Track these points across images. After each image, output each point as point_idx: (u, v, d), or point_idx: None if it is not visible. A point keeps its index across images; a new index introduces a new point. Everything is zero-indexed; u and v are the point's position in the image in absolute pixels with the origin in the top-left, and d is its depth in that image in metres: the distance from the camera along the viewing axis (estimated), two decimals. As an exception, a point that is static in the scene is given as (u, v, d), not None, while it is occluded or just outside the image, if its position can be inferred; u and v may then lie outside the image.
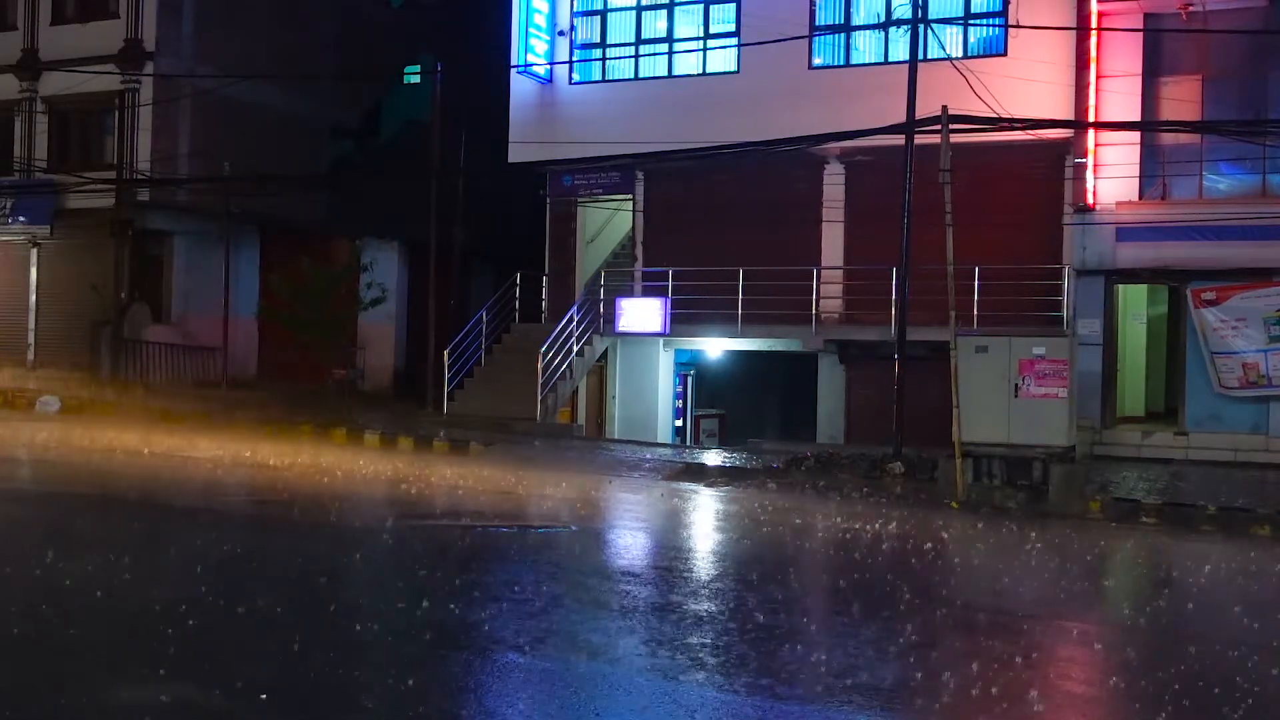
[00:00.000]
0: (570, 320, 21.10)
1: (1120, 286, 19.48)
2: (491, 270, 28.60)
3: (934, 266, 16.58)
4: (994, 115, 16.84)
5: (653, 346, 22.59)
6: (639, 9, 22.68)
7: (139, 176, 25.19)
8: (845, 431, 20.87)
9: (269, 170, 25.54)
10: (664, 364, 22.97)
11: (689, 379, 24.25)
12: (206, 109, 25.84)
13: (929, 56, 18.59)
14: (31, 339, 27.11)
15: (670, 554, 10.68)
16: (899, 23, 20.02)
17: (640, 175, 22.54)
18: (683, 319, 21.18)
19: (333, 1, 29.22)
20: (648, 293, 22.02)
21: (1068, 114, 18.55)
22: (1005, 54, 19.34)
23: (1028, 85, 18.60)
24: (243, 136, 25.95)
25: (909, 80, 16.77)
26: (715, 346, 23.33)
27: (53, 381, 24.25)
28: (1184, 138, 18.49)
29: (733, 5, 21.71)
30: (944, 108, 15.77)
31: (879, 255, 19.19)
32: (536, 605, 8.10)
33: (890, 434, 16.85)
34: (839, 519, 12.63)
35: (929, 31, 18.92)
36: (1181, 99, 18.43)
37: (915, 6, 17.58)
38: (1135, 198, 18.66)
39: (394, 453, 17.34)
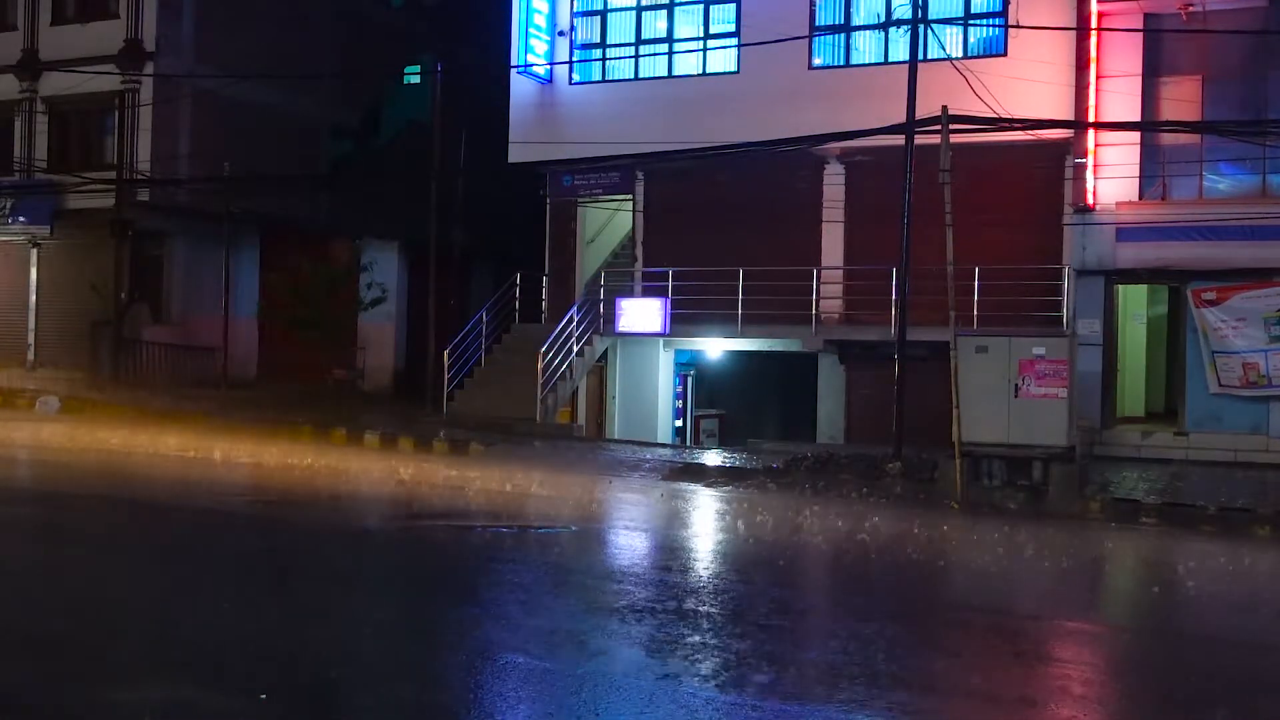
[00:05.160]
0: (570, 320, 21.10)
1: (1120, 286, 19.47)
2: (491, 270, 28.59)
3: (934, 266, 16.57)
4: (994, 115, 16.83)
5: (653, 346, 22.58)
6: (639, 9, 22.67)
7: (139, 177, 25.17)
8: (845, 431, 20.86)
9: (269, 170, 25.53)
10: (664, 364, 22.96)
11: (689, 379, 24.25)
12: (206, 109, 25.83)
13: (929, 57, 18.57)
14: (31, 339, 27.10)
15: (670, 554, 10.68)
16: (899, 23, 20.02)
17: (640, 175, 22.54)
18: (683, 319, 21.18)
19: (333, 2, 29.21)
20: (648, 293, 22.01)
21: (1068, 114, 18.54)
22: (1005, 54, 19.33)
23: (1028, 85, 18.59)
24: (243, 137, 25.93)
25: (909, 80, 16.75)
26: (715, 346, 23.32)
27: (53, 381, 24.24)
28: (1184, 138, 18.47)
29: (733, 5, 21.70)
30: (944, 108, 15.75)
31: (879, 255, 19.19)
32: (536, 605, 8.09)
33: (890, 434, 16.83)
34: (838, 519, 12.62)
35: (929, 32, 18.91)
36: (1181, 99, 18.42)
37: (915, 6, 17.56)
38: (1135, 198, 18.65)
39: (394, 453, 17.33)
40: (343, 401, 21.62)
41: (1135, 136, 18.46)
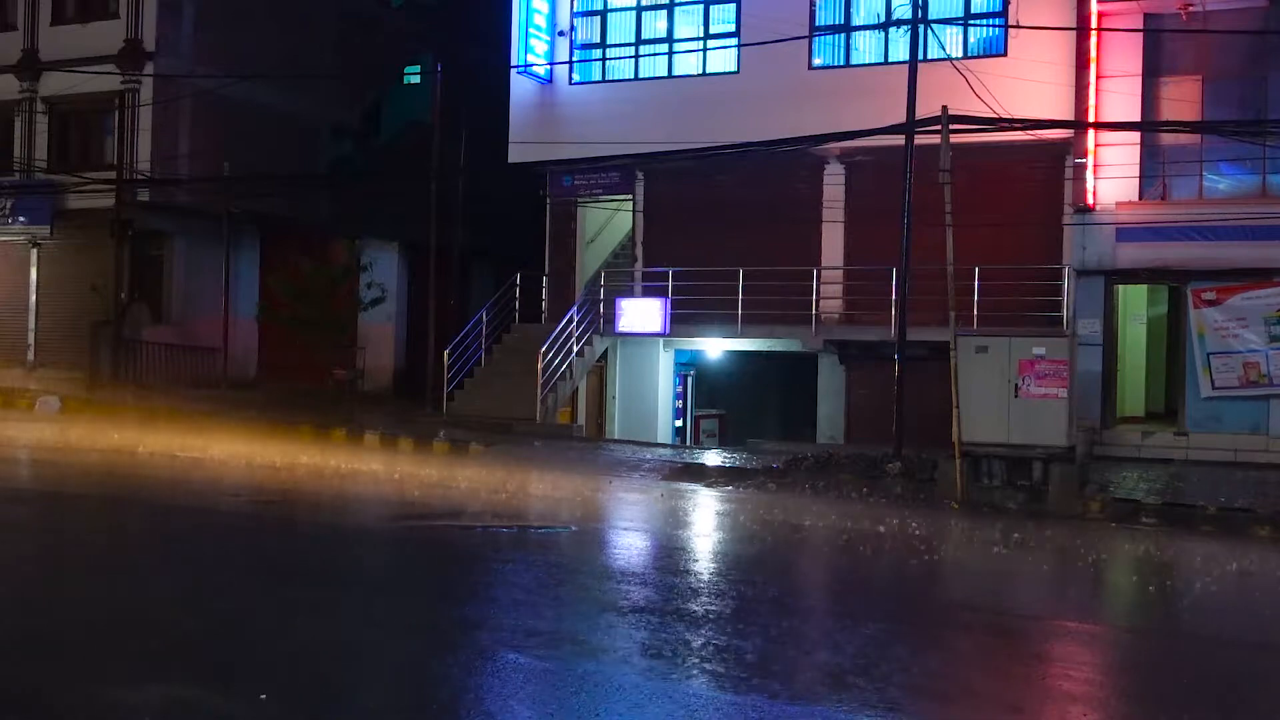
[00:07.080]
0: (570, 320, 21.10)
1: (1120, 286, 19.47)
2: (491, 270, 28.58)
3: (934, 266, 16.58)
4: (994, 115, 16.84)
5: (653, 346, 22.59)
6: (639, 9, 22.68)
7: (139, 177, 25.16)
8: (845, 432, 20.86)
9: (269, 170, 25.54)
10: (664, 364, 22.96)
11: (689, 379, 24.25)
12: (206, 109, 25.83)
13: (929, 57, 18.58)
14: (31, 339, 27.11)
15: (670, 554, 10.68)
16: (899, 23, 20.01)
17: (640, 175, 22.54)
18: (683, 319, 21.18)
19: (333, 2, 29.22)
20: (648, 293, 22.02)
21: (1068, 114, 18.55)
22: (1005, 54, 19.34)
23: (1028, 85, 18.59)
24: (243, 136, 25.94)
25: (909, 80, 16.76)
26: (715, 346, 23.32)
27: (53, 381, 24.25)
28: (1184, 138, 18.49)
29: (733, 5, 21.71)
30: (944, 108, 15.76)
31: (879, 255, 19.20)
32: (536, 605, 8.09)
33: (890, 434, 16.84)
34: (838, 520, 12.63)
35: (929, 32, 18.91)
36: (1181, 99, 18.43)
37: (915, 6, 17.56)
38: (1135, 198, 18.66)
39: (394, 453, 17.33)
40: (343, 401, 21.62)
41: (1135, 136, 18.48)
